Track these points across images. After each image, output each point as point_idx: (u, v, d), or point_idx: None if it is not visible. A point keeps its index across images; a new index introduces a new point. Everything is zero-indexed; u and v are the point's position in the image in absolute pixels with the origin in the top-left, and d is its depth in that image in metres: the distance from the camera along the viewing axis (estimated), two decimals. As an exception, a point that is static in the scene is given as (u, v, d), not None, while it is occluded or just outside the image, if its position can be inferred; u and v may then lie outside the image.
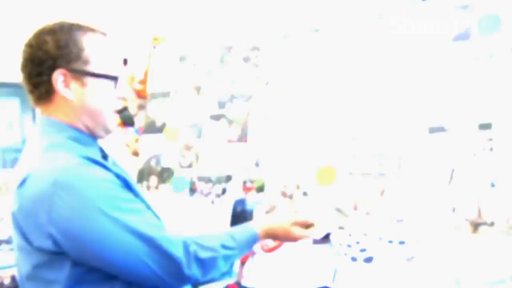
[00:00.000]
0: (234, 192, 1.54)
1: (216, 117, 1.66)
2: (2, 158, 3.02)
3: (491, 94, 1.20)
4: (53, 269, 1.00)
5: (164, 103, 1.79)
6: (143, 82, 2.30)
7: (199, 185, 1.60)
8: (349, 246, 1.45)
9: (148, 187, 1.69)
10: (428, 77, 1.29)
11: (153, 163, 1.72)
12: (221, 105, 1.66)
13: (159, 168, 1.70)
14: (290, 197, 1.44)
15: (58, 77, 1.06)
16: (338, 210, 1.36)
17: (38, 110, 1.15)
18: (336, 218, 1.37)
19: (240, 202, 1.52)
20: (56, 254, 0.97)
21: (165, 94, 1.79)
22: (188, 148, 1.67)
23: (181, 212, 1.60)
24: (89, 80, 1.10)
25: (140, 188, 1.67)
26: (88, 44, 1.10)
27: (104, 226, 0.94)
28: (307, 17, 1.55)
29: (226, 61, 1.71)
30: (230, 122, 1.63)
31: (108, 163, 1.10)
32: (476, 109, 1.21)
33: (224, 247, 1.07)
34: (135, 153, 2.42)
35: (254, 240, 1.17)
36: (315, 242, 1.55)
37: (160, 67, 1.86)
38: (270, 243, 1.51)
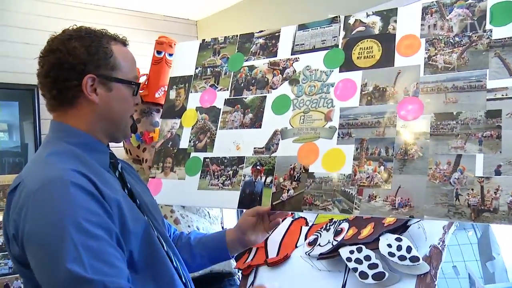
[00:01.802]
0: (245, 174, 1.57)
1: (232, 103, 1.70)
2: (0, 162, 2.98)
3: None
4: (25, 278, 1.05)
5: (183, 88, 1.84)
6: (146, 87, 2.36)
7: (212, 167, 1.64)
8: (358, 260, 1.45)
9: (164, 168, 1.74)
10: None
11: (169, 145, 1.77)
12: (237, 91, 1.71)
13: (175, 150, 1.75)
14: (297, 180, 1.46)
15: (88, 82, 1.12)
16: (343, 194, 1.37)
17: (52, 115, 1.18)
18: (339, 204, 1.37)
19: (249, 184, 1.55)
20: (23, 266, 1.02)
21: (185, 80, 1.84)
22: (204, 132, 1.71)
23: (193, 192, 1.64)
24: (114, 85, 1.16)
25: (155, 170, 1.74)
26: (114, 52, 1.16)
27: (52, 254, 0.94)
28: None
29: (244, 49, 1.76)
30: (245, 107, 1.66)
31: (109, 174, 1.14)
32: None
33: None
34: (137, 160, 2.48)
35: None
36: (321, 256, 1.57)
37: (182, 52, 1.91)
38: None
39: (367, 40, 1.50)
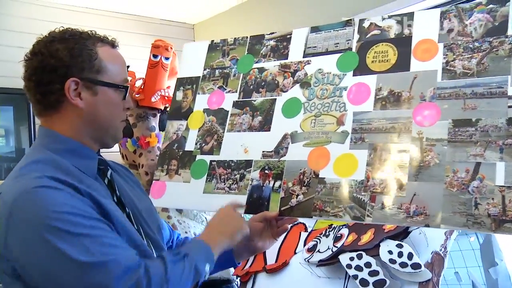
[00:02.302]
0: (252, 178, 1.52)
1: (241, 105, 1.66)
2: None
3: None
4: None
5: (190, 90, 1.79)
6: (142, 91, 2.32)
7: (218, 171, 1.59)
8: (358, 267, 1.42)
9: (168, 171, 1.69)
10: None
11: (175, 147, 1.72)
12: (247, 93, 1.66)
13: (180, 152, 1.70)
14: (307, 185, 1.42)
15: (70, 86, 1.07)
16: (356, 200, 1.32)
17: (39, 121, 1.14)
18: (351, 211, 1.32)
19: (257, 188, 1.50)
20: (9, 276, 0.97)
21: (192, 81, 1.80)
22: (211, 134, 1.67)
23: (198, 197, 1.59)
24: (100, 89, 1.10)
25: (159, 172, 1.69)
26: (100, 54, 1.11)
27: (46, 256, 0.91)
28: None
29: (254, 50, 1.72)
30: (254, 110, 1.62)
31: (93, 180, 1.10)
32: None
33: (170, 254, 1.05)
34: (133, 165, 2.43)
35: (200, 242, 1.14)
36: (321, 262, 1.53)
37: (190, 53, 1.88)
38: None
39: (382, 44, 1.47)
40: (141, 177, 2.30)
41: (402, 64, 1.41)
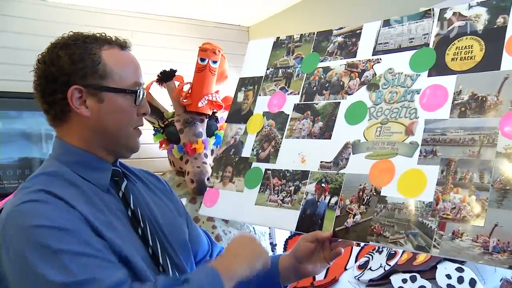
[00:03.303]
0: (307, 192, 1.35)
1: (302, 109, 1.49)
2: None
3: None
4: None
5: (252, 91, 1.66)
6: (189, 96, 2.21)
7: (273, 181, 1.44)
8: None
9: (223, 178, 1.58)
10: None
11: (231, 152, 1.60)
12: (309, 95, 1.49)
13: (236, 158, 1.58)
14: (366, 203, 1.21)
15: (73, 94, 1.00)
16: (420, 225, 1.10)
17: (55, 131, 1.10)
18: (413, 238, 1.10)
19: (311, 204, 1.33)
20: None
21: (255, 81, 1.67)
22: (268, 140, 1.53)
23: (249, 208, 1.45)
24: (106, 95, 1.02)
25: (214, 178, 1.58)
26: (104, 58, 1.02)
27: (25, 276, 0.86)
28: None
29: (320, 48, 1.54)
30: (316, 114, 1.45)
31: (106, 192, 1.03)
32: None
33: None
34: (180, 172, 2.34)
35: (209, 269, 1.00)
36: (371, 282, 1.34)
37: (254, 51, 1.75)
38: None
39: (467, 38, 1.21)
40: (187, 184, 2.23)
41: (491, 61, 1.15)
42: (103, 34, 1.07)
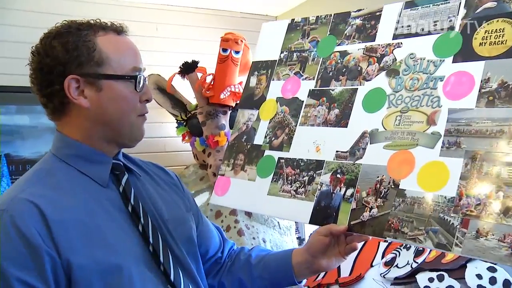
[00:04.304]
0: (322, 183, 1.29)
1: (317, 95, 1.42)
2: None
3: None
4: None
5: (265, 75, 1.60)
6: (211, 87, 2.14)
7: (286, 170, 1.38)
8: None
9: (234, 166, 1.52)
10: None
11: (243, 139, 1.55)
12: (325, 81, 1.42)
13: (248, 146, 1.52)
14: (384, 196, 1.15)
15: (71, 84, 0.95)
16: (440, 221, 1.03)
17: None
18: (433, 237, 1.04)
19: (326, 195, 1.27)
20: None
21: (268, 65, 1.60)
22: (282, 127, 1.46)
23: (262, 198, 1.40)
24: (104, 83, 0.97)
25: (225, 166, 1.53)
26: (100, 44, 0.96)
27: None
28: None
29: (337, 31, 1.46)
30: (332, 101, 1.38)
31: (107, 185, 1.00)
32: None
33: None
34: (203, 165, 2.28)
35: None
36: (396, 280, 1.28)
37: (268, 33, 1.67)
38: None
39: (498, 20, 1.12)
40: (209, 178, 2.18)
41: (523, 46, 1.07)
42: (98, 20, 1.02)
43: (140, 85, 1.01)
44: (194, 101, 2.37)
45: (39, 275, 0.85)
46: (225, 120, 2.24)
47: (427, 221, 1.06)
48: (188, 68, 2.27)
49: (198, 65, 2.28)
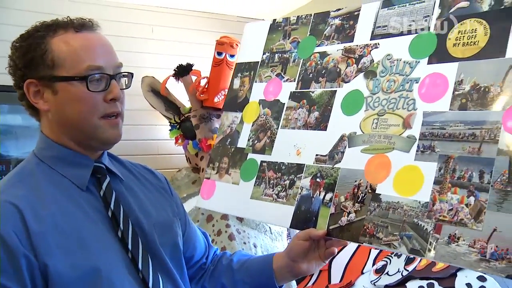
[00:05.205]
0: (302, 187, 1.29)
1: (298, 97, 1.42)
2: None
3: None
4: None
5: (248, 77, 1.59)
6: (206, 91, 2.13)
7: (268, 174, 1.38)
8: None
9: (219, 169, 1.53)
10: None
11: (228, 142, 1.55)
12: (305, 82, 1.41)
13: (232, 149, 1.52)
14: (361, 201, 1.15)
15: (30, 88, 0.95)
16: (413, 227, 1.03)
17: None
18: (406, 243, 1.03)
19: (306, 199, 1.27)
20: None
21: (251, 67, 1.59)
22: (264, 130, 1.46)
23: (244, 202, 1.40)
24: (59, 86, 0.95)
25: (210, 169, 1.54)
26: (53, 46, 0.94)
27: None
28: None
29: (317, 31, 1.45)
30: (312, 103, 1.37)
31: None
32: None
33: None
34: (196, 169, 2.28)
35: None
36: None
37: (250, 34, 1.66)
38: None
39: (470, 20, 1.11)
40: (202, 182, 2.18)
41: (495, 47, 1.05)
42: (64, 19, 1.00)
43: (95, 85, 0.97)
44: (188, 104, 2.37)
45: (16, 278, 0.86)
46: (218, 123, 2.25)
47: (402, 226, 1.06)
48: (182, 71, 2.28)
49: (193, 68, 2.28)
